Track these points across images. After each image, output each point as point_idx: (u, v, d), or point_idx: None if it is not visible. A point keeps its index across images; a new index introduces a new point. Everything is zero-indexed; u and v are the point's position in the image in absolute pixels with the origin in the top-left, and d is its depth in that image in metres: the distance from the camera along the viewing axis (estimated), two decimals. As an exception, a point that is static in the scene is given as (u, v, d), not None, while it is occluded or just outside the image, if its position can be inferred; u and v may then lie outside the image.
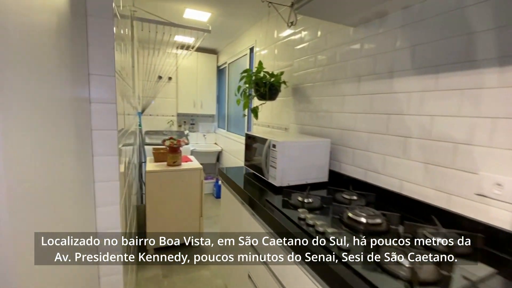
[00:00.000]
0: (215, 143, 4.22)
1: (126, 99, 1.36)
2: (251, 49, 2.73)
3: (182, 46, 3.64)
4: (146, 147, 3.07)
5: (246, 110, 1.86)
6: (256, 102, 1.93)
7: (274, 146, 1.26)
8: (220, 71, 4.06)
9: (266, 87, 1.69)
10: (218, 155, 3.97)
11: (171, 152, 2.20)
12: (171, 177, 2.15)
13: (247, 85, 1.78)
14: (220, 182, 4.01)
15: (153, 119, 3.76)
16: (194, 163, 2.37)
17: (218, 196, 3.71)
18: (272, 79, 1.71)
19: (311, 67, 1.62)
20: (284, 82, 1.76)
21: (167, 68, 3.72)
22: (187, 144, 2.25)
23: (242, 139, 2.88)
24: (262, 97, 1.72)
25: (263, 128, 2.33)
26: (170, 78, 3.75)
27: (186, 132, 3.94)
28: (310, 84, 1.63)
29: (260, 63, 1.76)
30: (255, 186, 1.34)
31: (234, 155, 3.30)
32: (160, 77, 3.73)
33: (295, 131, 1.79)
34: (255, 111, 1.81)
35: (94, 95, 0.87)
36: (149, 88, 3.70)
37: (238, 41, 3.07)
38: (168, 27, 2.40)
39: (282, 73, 1.76)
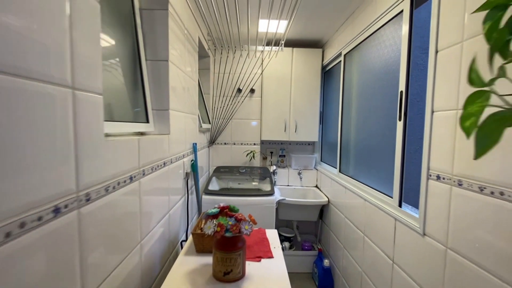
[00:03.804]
0: (316, 186, 2.71)
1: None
2: (413, 1, 1.18)
3: (268, 43, 2.46)
4: (206, 198, 1.91)
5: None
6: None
7: None
8: (326, 74, 2.63)
9: None
10: (322, 209, 2.44)
11: (219, 248, 0.88)
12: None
13: None
14: (326, 262, 2.10)
15: (227, 149, 2.66)
16: (278, 270, 0.96)
17: (323, 284, 2.12)
18: None
19: None
20: None
21: (249, 76, 2.60)
22: (249, 231, 0.89)
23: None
24: None
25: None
26: (252, 91, 2.60)
27: (273, 168, 2.63)
28: None
29: None
30: None
31: (353, 220, 1.69)
32: (239, 90, 2.65)
33: None
34: None
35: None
36: (223, 106, 2.66)
37: (369, 3, 1.58)
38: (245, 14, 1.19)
39: None
